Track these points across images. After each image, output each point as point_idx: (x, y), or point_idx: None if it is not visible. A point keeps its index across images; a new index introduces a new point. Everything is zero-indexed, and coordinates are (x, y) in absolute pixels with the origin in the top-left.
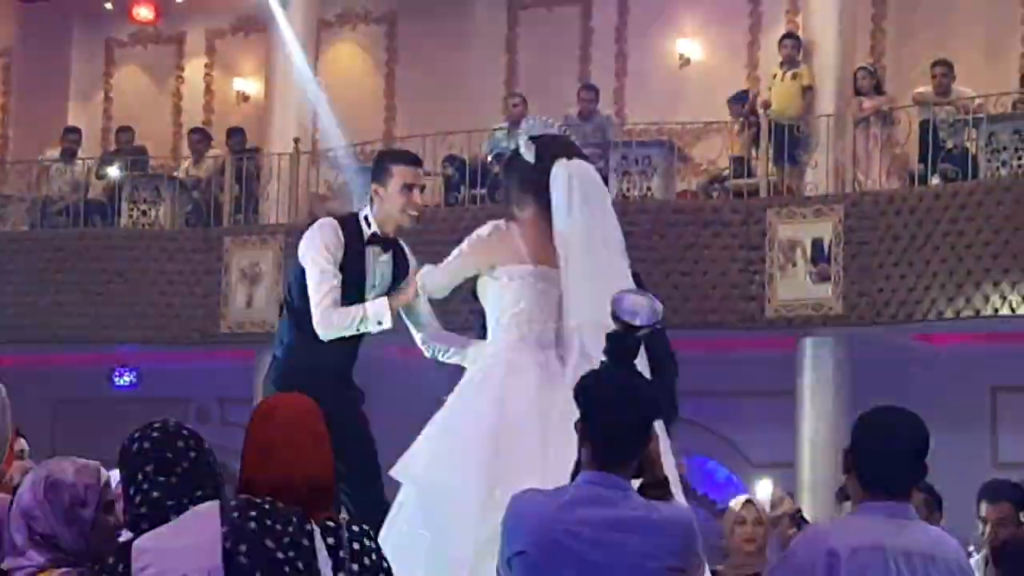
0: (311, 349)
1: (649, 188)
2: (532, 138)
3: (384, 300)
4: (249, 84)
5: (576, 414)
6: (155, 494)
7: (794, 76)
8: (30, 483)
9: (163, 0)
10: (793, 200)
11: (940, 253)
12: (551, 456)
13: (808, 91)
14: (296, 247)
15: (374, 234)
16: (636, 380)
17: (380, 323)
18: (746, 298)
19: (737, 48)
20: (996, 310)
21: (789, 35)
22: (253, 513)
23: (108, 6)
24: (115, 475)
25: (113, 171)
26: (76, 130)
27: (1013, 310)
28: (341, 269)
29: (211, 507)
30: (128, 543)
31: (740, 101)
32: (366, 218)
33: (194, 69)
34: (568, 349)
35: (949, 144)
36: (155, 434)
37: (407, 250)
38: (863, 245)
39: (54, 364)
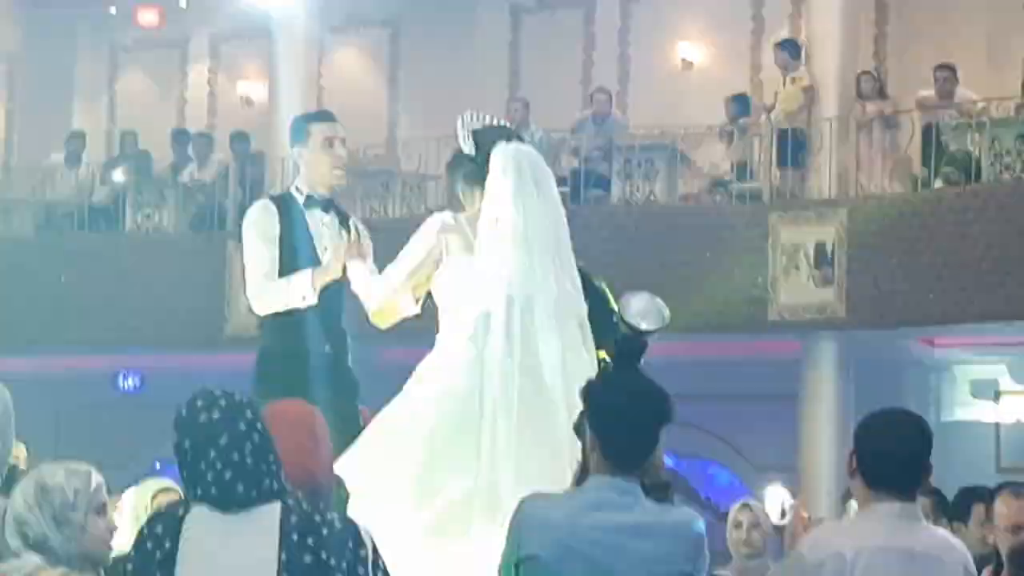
0: (283, 332)
1: (652, 191)
2: (473, 132)
3: (308, 273)
4: (253, 88)
5: (508, 396)
6: (228, 474)
7: (794, 80)
8: (21, 488)
9: (167, 5)
10: (796, 204)
11: (943, 257)
12: (495, 442)
13: (808, 92)
14: None
15: (308, 196)
16: (647, 384)
17: (304, 298)
18: (749, 302)
19: (739, 51)
20: (1000, 313)
21: (784, 43)
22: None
23: (112, 11)
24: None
25: (117, 175)
26: (81, 134)
27: (1016, 314)
28: (283, 242)
29: (271, 518)
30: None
31: (738, 111)
32: (296, 188)
33: (197, 74)
34: (491, 324)
35: (952, 148)
36: (223, 402)
37: (351, 217)
38: (866, 249)
39: (59, 368)
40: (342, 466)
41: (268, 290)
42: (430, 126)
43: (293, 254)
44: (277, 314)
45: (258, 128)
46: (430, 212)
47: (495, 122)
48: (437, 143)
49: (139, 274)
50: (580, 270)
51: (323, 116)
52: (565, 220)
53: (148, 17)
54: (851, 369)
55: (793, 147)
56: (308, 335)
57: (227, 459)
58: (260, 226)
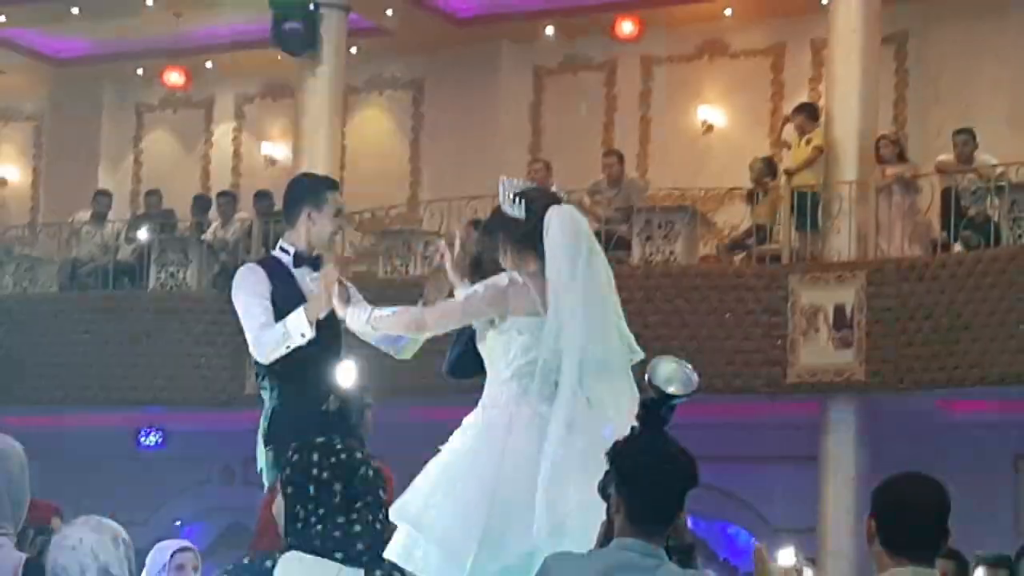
0: (290, 390)
1: (672, 252)
2: (517, 194)
3: (300, 311)
4: (277, 148)
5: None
6: (357, 528)
7: (808, 142)
8: (92, 530)
9: (193, 66)
10: (815, 266)
11: (962, 320)
12: (542, 500)
13: (820, 153)
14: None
15: (298, 254)
16: (674, 447)
17: (303, 335)
18: (769, 363)
19: (759, 115)
20: (1020, 377)
21: (802, 106)
22: None
23: (139, 72)
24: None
25: (142, 234)
26: (106, 193)
27: None
28: (275, 303)
29: None
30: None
31: (765, 173)
32: (281, 248)
33: (222, 133)
34: (560, 387)
35: (971, 212)
36: (343, 455)
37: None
38: (886, 311)
39: (82, 424)
40: (407, 497)
41: (267, 336)
42: (452, 186)
43: (285, 314)
44: (281, 373)
45: (281, 187)
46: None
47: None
48: (459, 203)
49: (162, 332)
50: None
51: (336, 185)
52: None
53: (174, 78)
54: (870, 431)
55: (812, 209)
56: (313, 393)
57: (364, 517)
58: (249, 285)
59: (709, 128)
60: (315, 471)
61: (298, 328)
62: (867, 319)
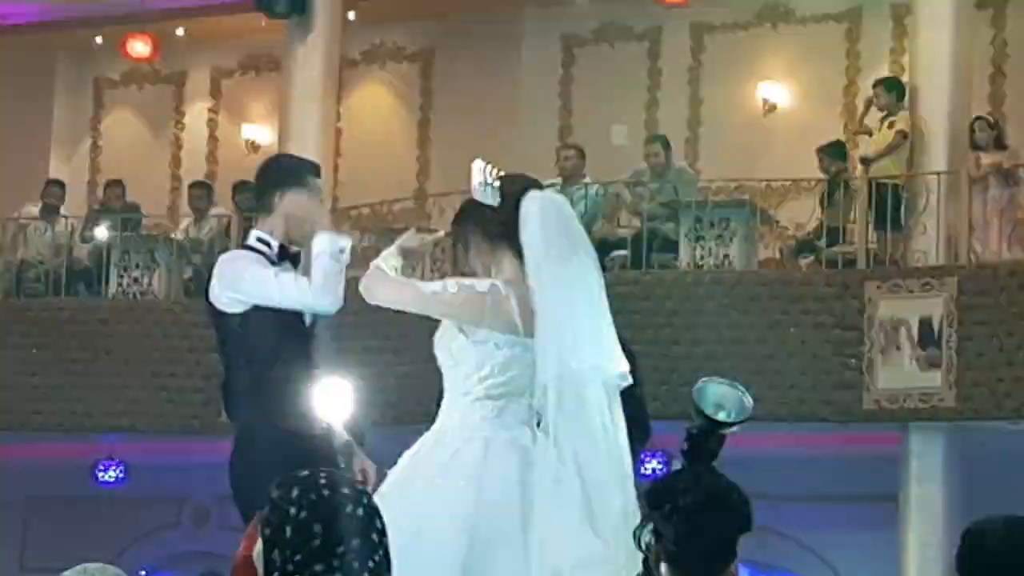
0: (274, 408)
1: (727, 256)
2: (490, 179)
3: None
4: (260, 131)
5: (561, 484)
6: (317, 567)
7: (890, 125)
8: None
9: (161, 34)
10: (897, 272)
11: None
12: (534, 540)
13: (903, 138)
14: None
15: (283, 247)
16: (727, 486)
17: (342, 249)
18: (841, 387)
19: (831, 92)
20: None
21: (882, 80)
22: None
23: (98, 40)
24: None
25: (101, 232)
26: (58, 184)
27: None
28: (271, 309)
29: None
30: None
31: (833, 162)
32: (259, 239)
33: (196, 114)
34: (542, 409)
35: None
36: (325, 491)
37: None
38: (980, 326)
39: (28, 456)
40: None
41: (326, 276)
42: (465, 177)
43: (276, 317)
44: (253, 389)
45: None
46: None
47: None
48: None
49: (123, 348)
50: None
51: (318, 170)
52: (602, 283)
53: (139, 48)
54: (961, 467)
55: (893, 205)
56: (291, 414)
57: (350, 564)
58: (251, 259)
59: (771, 108)
60: (293, 510)
61: (335, 242)
62: (958, 335)
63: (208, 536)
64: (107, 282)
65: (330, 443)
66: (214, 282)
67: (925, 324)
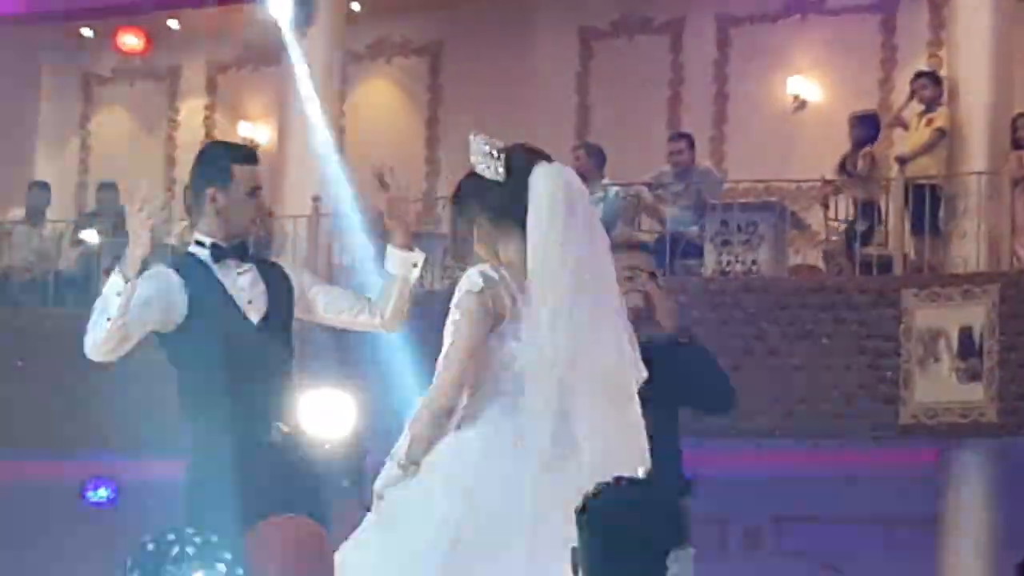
0: (215, 420)
1: (755, 262)
2: (501, 151)
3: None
4: (258, 129)
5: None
6: None
7: (928, 122)
8: None
9: (154, 26)
10: (935, 279)
11: None
12: (541, 533)
13: (941, 136)
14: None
15: (215, 246)
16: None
17: (125, 281)
18: (876, 401)
19: (865, 88)
20: None
21: (924, 74)
22: None
23: (86, 33)
24: None
25: (90, 236)
26: (45, 185)
27: None
28: (193, 311)
29: None
30: None
31: (865, 135)
32: (196, 240)
33: (191, 111)
34: (534, 404)
35: None
36: (197, 539)
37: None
38: (1023, 336)
39: (14, 476)
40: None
41: (92, 320)
42: None
43: (215, 322)
44: (198, 394)
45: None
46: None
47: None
48: None
49: (114, 362)
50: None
51: (248, 157)
52: (614, 271)
53: (130, 41)
54: (1003, 486)
55: (931, 208)
56: (245, 419)
57: None
58: (141, 303)
59: (801, 104)
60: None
61: (113, 287)
62: (1000, 345)
63: None
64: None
65: (289, 452)
66: None
67: (965, 334)
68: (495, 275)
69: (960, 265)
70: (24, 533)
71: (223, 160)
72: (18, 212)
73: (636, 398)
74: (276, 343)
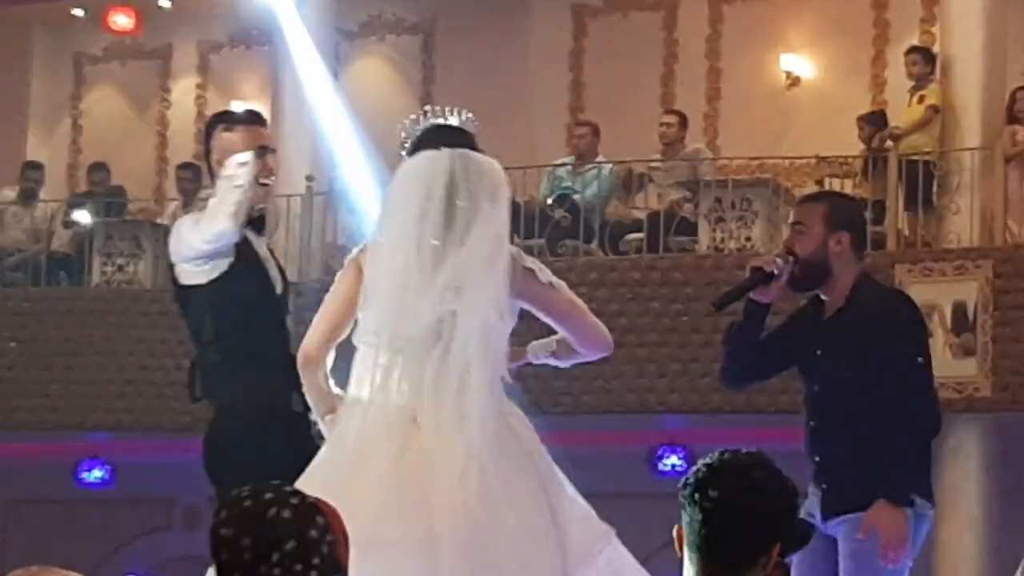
0: (252, 384)
1: (748, 238)
2: (412, 138)
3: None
4: (251, 108)
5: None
6: None
7: (921, 99)
8: None
9: (146, 6)
10: (929, 254)
11: None
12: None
13: (935, 113)
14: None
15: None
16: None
17: (241, 163)
18: None
19: (858, 65)
20: None
21: (917, 48)
22: None
23: (78, 13)
24: None
25: (83, 217)
26: (37, 166)
27: None
28: (242, 258)
29: None
30: None
31: (875, 123)
32: None
33: (183, 91)
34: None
35: None
36: (293, 500)
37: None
38: (1017, 311)
39: (7, 455)
40: None
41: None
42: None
43: (253, 280)
44: (235, 364)
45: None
46: None
47: (458, 122)
48: None
49: (108, 339)
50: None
51: (255, 117)
52: (496, 254)
53: (122, 20)
54: (998, 462)
55: (925, 184)
56: (271, 382)
57: (290, 569)
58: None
59: (794, 81)
60: (223, 531)
61: (239, 159)
62: (994, 320)
63: (202, 539)
64: (90, 270)
65: (308, 423)
66: (174, 254)
67: (959, 309)
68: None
69: (954, 241)
70: (18, 513)
71: (213, 127)
72: (10, 193)
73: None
74: (286, 318)
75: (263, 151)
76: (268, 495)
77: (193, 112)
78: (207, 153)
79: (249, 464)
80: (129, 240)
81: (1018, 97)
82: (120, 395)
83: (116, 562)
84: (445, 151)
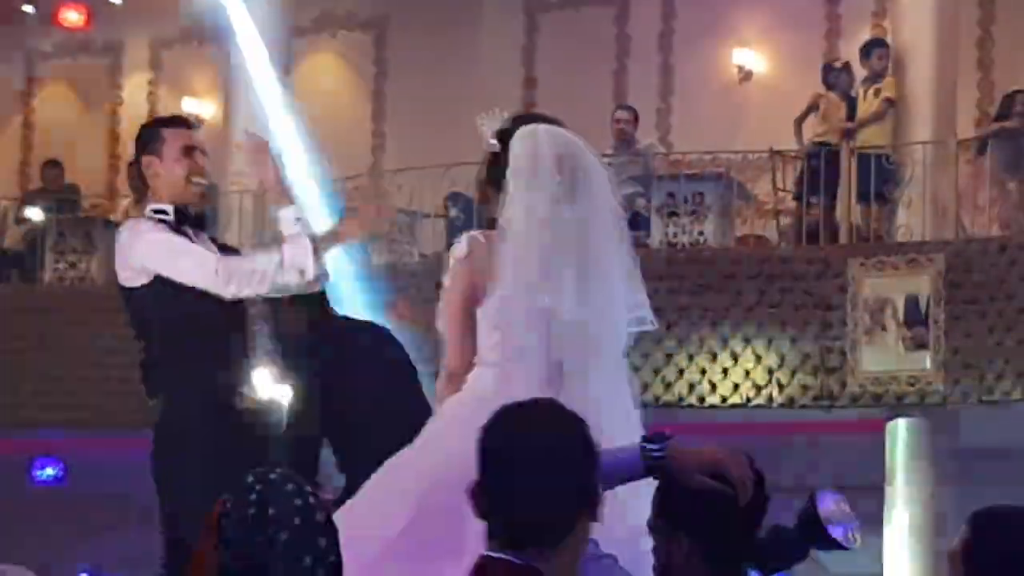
0: (184, 408)
1: (701, 233)
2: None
3: (305, 241)
4: (203, 105)
5: None
6: None
7: (876, 92)
8: None
9: (96, 2)
10: (882, 248)
11: None
12: None
13: (891, 106)
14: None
15: (179, 211)
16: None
17: (302, 272)
18: (823, 370)
19: (810, 59)
20: None
21: (875, 42)
22: None
23: (29, 9)
24: None
25: (34, 214)
26: None
27: None
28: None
29: None
30: None
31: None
32: (154, 210)
33: (135, 87)
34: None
35: None
36: (311, 499)
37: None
38: (969, 305)
39: None
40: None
41: (247, 269)
42: (425, 151)
43: (194, 288)
44: (183, 362)
45: (210, 154)
46: (424, 259)
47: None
48: (433, 172)
49: (60, 337)
50: None
51: (179, 120)
52: (622, 233)
53: (72, 17)
54: (951, 455)
55: (878, 177)
56: (216, 382)
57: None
58: (156, 228)
59: (747, 76)
60: (224, 521)
61: (297, 263)
62: (947, 314)
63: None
64: (42, 267)
65: (264, 420)
66: (116, 258)
67: (911, 303)
68: (481, 238)
69: (906, 234)
70: None
71: (153, 127)
72: None
73: (623, 366)
74: (235, 313)
75: (190, 151)
76: (290, 485)
77: (145, 108)
78: (136, 161)
79: (191, 464)
80: (81, 237)
81: (1017, 100)
82: (73, 392)
83: (70, 560)
84: None
